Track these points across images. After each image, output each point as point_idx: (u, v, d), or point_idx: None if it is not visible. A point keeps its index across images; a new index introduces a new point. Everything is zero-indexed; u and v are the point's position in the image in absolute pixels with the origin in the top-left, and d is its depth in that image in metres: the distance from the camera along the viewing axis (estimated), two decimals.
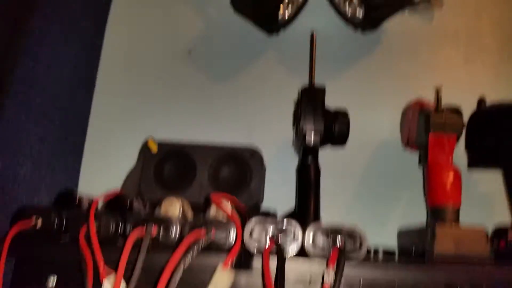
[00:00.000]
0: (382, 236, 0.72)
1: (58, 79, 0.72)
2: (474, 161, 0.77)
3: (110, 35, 0.90)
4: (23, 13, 0.62)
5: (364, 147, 0.82)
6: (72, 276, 0.50)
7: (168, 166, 0.76)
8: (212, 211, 0.57)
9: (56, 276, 0.52)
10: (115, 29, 0.90)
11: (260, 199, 0.75)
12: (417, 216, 0.74)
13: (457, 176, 0.66)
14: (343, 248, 0.50)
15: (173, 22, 0.92)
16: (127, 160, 0.76)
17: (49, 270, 0.52)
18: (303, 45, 0.85)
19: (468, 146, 0.76)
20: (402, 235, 0.72)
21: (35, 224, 0.52)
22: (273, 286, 0.45)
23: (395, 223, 0.75)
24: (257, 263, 0.51)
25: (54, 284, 0.52)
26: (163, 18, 0.92)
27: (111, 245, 0.50)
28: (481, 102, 0.78)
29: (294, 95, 0.79)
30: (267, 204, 0.75)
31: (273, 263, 0.47)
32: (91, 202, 0.54)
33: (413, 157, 0.78)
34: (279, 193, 0.78)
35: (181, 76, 0.87)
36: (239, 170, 0.76)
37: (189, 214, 0.58)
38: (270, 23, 0.83)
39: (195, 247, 0.47)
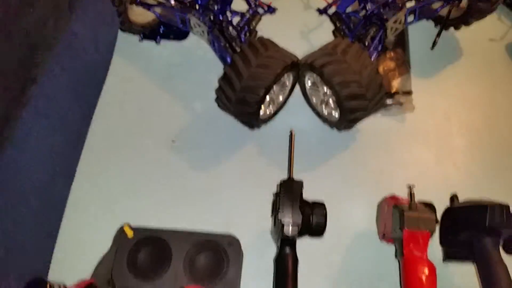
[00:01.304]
0: None
1: (40, 166, 0.73)
2: (449, 255, 0.79)
3: (96, 123, 0.92)
4: (14, 107, 0.65)
5: (342, 238, 0.83)
6: None
7: (143, 252, 0.74)
8: None
9: None
10: (102, 116, 0.93)
11: None
12: None
13: (432, 271, 0.67)
14: None
15: (159, 112, 0.95)
16: (101, 246, 0.75)
17: None
18: (282, 140, 0.89)
19: (442, 241, 0.78)
20: None
21: None
22: None
23: None
24: None
25: None
26: (150, 109, 0.95)
27: None
28: (453, 198, 0.81)
29: (272, 186, 0.81)
30: None
31: None
32: None
33: (390, 248, 0.79)
34: (256, 283, 0.77)
35: (163, 164, 0.89)
36: (216, 258, 0.75)
37: None
38: (252, 120, 0.87)
39: None
